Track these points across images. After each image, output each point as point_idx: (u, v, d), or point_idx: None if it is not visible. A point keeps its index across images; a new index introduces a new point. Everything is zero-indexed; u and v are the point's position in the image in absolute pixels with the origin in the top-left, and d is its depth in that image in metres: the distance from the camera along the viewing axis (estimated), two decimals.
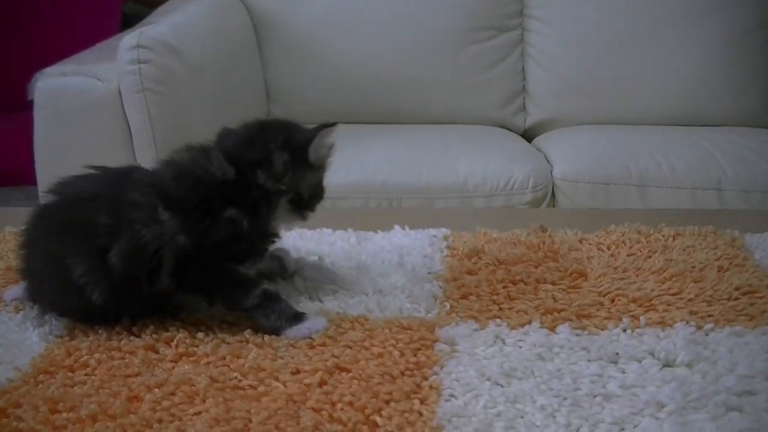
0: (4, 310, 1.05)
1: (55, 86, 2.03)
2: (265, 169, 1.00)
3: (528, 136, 2.68)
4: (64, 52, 2.20)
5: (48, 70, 2.06)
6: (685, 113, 2.63)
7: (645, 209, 2.02)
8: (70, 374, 0.89)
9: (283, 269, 1.13)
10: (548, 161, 2.32)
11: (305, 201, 1.05)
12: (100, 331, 0.98)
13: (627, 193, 2.19)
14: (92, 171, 1.04)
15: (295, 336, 0.96)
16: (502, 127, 2.70)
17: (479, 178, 2.19)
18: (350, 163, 2.15)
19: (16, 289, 1.09)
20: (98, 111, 2.03)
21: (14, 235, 1.31)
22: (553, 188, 2.23)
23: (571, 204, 2.20)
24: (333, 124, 1.03)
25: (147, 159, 1.87)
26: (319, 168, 1.05)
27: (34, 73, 2.06)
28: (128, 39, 1.99)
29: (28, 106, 2.09)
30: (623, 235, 1.24)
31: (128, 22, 2.88)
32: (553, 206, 2.20)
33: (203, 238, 0.96)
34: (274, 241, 1.05)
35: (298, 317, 0.98)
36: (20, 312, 1.04)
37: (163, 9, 2.54)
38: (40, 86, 2.03)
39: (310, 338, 0.95)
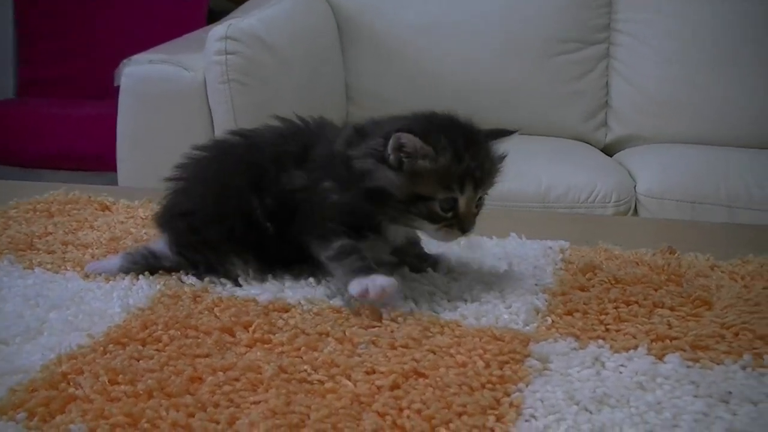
0: (95, 280, 1.04)
1: (142, 73, 2.07)
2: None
3: (607, 151, 2.63)
4: (150, 43, 2.24)
5: (135, 57, 2.10)
6: None
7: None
8: (140, 347, 0.86)
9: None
10: (631, 176, 2.26)
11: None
12: (182, 307, 0.95)
13: (714, 213, 2.11)
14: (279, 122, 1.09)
15: (354, 290, 0.94)
16: (582, 140, 2.67)
17: (562, 188, 2.16)
18: None
19: (105, 264, 1.08)
20: (183, 100, 2.06)
21: (126, 208, 1.32)
22: (636, 204, 2.18)
23: None
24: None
25: None
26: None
27: (120, 61, 2.09)
28: (217, 30, 2.01)
29: (110, 94, 2.12)
30: (762, 266, 1.12)
31: (214, 17, 2.91)
32: None
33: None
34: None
35: (363, 270, 0.95)
36: (110, 282, 1.03)
37: (247, 5, 2.57)
38: (127, 72, 2.07)
39: (385, 306, 0.95)
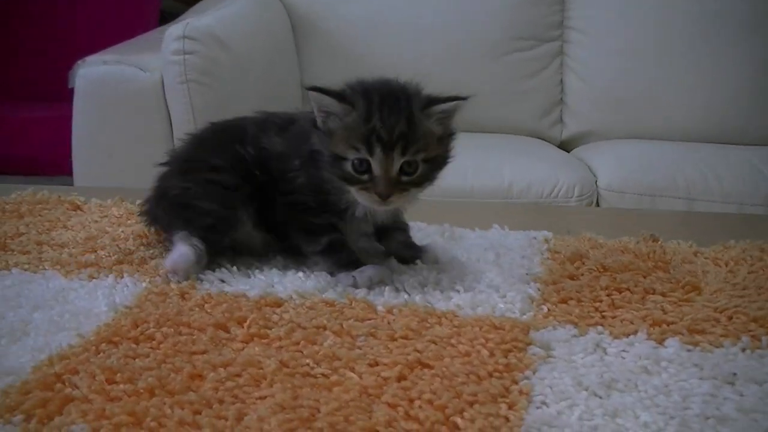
0: (77, 278, 1.01)
1: (97, 75, 2.03)
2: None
3: (564, 148, 2.65)
4: (103, 44, 2.19)
5: (90, 58, 2.06)
6: (724, 131, 2.60)
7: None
8: (133, 346, 0.83)
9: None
10: (591, 171, 2.29)
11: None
12: (171, 304, 0.92)
13: (673, 205, 2.16)
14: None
15: (342, 281, 0.99)
16: (538, 137, 2.68)
17: (524, 183, 2.18)
18: None
19: (181, 258, 1.01)
20: (140, 101, 2.03)
21: (98, 207, 1.28)
22: (597, 198, 2.20)
23: None
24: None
25: None
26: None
27: (73, 63, 2.05)
28: (174, 29, 1.98)
29: (62, 96, 2.07)
30: (744, 251, 1.13)
31: (165, 19, 2.87)
32: None
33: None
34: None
35: (352, 264, 1.00)
36: (93, 280, 1.00)
37: (199, 7, 2.54)
38: (82, 74, 2.02)
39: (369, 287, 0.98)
